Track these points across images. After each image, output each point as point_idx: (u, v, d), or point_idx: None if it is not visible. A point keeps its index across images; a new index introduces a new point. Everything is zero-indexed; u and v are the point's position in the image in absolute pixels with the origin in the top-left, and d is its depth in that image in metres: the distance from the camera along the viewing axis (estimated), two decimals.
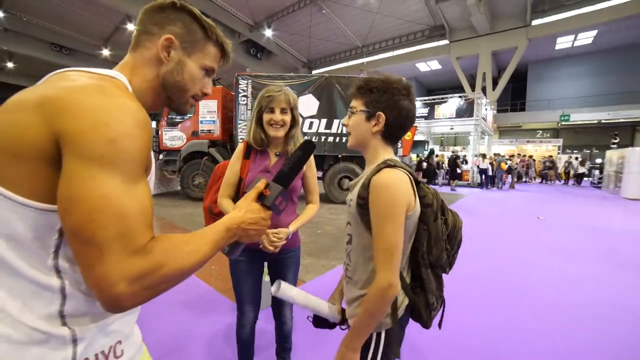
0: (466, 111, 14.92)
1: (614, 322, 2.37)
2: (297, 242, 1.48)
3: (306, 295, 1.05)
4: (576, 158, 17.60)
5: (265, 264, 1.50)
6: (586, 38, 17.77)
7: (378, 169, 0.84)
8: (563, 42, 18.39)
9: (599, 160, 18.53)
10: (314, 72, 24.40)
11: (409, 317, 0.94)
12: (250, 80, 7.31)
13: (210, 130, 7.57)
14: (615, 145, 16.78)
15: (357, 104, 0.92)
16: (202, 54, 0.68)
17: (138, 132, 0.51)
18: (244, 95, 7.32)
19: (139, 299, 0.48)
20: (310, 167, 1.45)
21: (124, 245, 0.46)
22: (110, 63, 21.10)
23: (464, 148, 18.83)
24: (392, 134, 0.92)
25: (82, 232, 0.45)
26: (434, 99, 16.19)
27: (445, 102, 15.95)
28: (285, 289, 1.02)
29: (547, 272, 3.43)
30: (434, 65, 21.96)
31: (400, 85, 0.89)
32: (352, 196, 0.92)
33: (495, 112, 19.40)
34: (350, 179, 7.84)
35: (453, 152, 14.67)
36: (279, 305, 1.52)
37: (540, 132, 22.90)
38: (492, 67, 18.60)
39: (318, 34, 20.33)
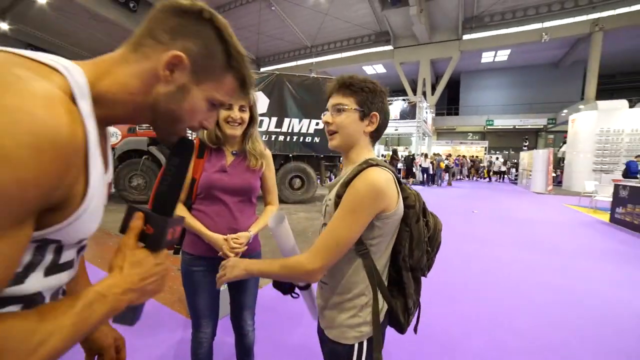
0: (409, 113, 16.04)
1: (538, 294, 2.78)
2: (257, 246, 1.41)
3: (294, 246, 0.95)
4: (497, 158, 20.21)
5: None
6: (503, 55, 20.52)
7: (360, 169, 0.81)
8: (487, 57, 20.94)
9: (514, 160, 21.55)
10: (262, 69, 23.85)
11: (387, 322, 0.93)
12: None
13: (150, 126, 6.87)
14: (526, 148, 19.84)
15: (347, 101, 0.86)
16: (215, 85, 0.52)
17: (28, 155, 0.32)
18: None
19: None
20: (269, 167, 1.39)
21: None
22: (10, 39, 17.66)
23: (406, 148, 20.25)
24: (379, 134, 0.92)
25: None
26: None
27: (390, 104, 16.84)
28: (284, 230, 0.92)
29: (486, 258, 3.87)
30: (380, 68, 23.12)
31: (383, 88, 0.90)
32: (331, 196, 0.89)
33: (434, 115, 21.25)
34: (302, 179, 7.82)
35: (409, 152, 15.80)
36: (239, 314, 1.41)
37: (471, 134, 25.70)
38: (431, 74, 20.28)
39: (267, 30, 19.93)
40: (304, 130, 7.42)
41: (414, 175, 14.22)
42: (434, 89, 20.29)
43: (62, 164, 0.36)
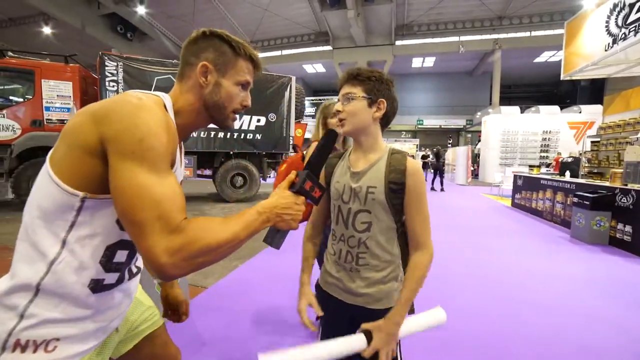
0: None
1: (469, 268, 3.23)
2: None
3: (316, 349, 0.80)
4: (425, 156, 22.44)
5: None
6: (430, 62, 22.77)
7: (403, 158, 0.93)
8: (416, 62, 22.97)
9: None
10: None
11: None
12: (121, 63, 6.12)
13: (63, 120, 5.95)
14: (450, 145, 22.40)
15: (356, 90, 0.92)
16: (235, 71, 0.74)
17: (161, 132, 0.60)
18: (112, 80, 6.06)
19: (180, 269, 0.56)
20: None
21: (162, 225, 0.55)
22: None
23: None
24: (388, 121, 0.98)
25: (127, 215, 0.55)
26: (320, 100, 17.48)
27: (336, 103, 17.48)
28: None
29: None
30: (319, 68, 23.61)
31: (390, 77, 0.96)
32: (375, 183, 0.92)
33: None
34: (244, 177, 7.56)
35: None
36: None
37: (404, 133, 27.94)
38: None
39: (202, 22, 18.72)
40: (245, 127, 7.25)
41: None
42: None
43: (172, 136, 0.64)
